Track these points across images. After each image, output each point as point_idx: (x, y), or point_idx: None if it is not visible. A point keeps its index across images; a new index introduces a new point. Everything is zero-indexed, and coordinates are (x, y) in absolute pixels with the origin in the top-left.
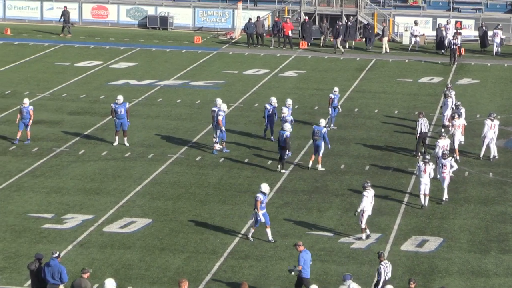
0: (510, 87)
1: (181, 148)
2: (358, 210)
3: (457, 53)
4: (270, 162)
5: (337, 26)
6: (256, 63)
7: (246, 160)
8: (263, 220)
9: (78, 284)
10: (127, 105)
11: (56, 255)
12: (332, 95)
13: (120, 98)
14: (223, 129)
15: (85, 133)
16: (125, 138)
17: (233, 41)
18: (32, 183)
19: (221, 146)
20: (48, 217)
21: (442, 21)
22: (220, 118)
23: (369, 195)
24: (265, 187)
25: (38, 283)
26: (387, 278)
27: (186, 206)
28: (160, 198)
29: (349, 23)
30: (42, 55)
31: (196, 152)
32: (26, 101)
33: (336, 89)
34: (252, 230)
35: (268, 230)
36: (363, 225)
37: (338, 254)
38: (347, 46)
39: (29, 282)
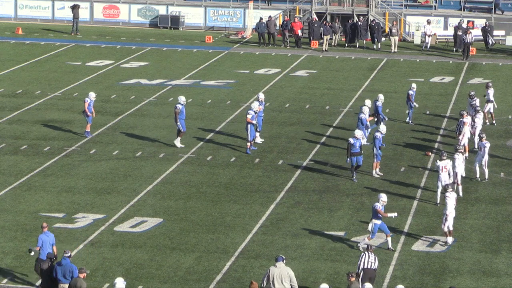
0: None
1: (192, 148)
2: (447, 213)
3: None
4: (281, 162)
5: (315, 25)
6: (267, 63)
7: (257, 160)
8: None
9: (73, 284)
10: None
11: (68, 254)
12: (411, 92)
13: (184, 99)
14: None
15: (96, 132)
16: (179, 139)
17: (244, 40)
18: (43, 182)
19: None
20: (59, 217)
21: (453, 21)
22: (249, 116)
23: (452, 196)
24: (385, 197)
25: (50, 282)
26: (371, 267)
27: (197, 206)
28: (171, 197)
29: (359, 23)
30: (54, 54)
31: (207, 152)
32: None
33: (414, 85)
34: (389, 240)
35: (389, 239)
36: (451, 228)
37: (349, 253)
38: (357, 46)
39: (40, 281)
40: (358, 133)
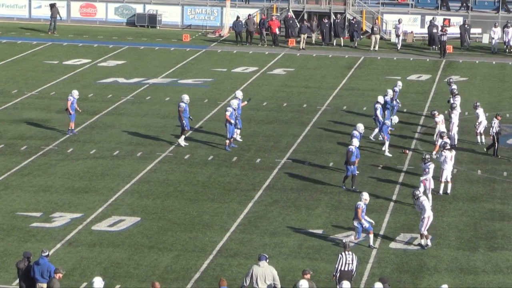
0: (498, 85)
1: (170, 146)
2: (427, 216)
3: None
4: (259, 160)
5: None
6: (245, 61)
7: (235, 159)
8: (366, 225)
9: (49, 285)
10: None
11: (46, 254)
12: (396, 88)
13: (188, 98)
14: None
15: (74, 131)
16: (183, 137)
17: (221, 39)
18: (20, 181)
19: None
20: (37, 216)
21: (430, 19)
22: (227, 113)
23: (428, 199)
24: (366, 195)
25: (27, 282)
26: (348, 269)
27: (174, 204)
28: (149, 196)
29: (337, 20)
30: (31, 53)
31: (184, 150)
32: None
33: (400, 83)
34: (370, 237)
35: (371, 236)
36: (426, 232)
37: (327, 251)
38: (334, 44)
39: (17, 281)
40: (356, 142)
